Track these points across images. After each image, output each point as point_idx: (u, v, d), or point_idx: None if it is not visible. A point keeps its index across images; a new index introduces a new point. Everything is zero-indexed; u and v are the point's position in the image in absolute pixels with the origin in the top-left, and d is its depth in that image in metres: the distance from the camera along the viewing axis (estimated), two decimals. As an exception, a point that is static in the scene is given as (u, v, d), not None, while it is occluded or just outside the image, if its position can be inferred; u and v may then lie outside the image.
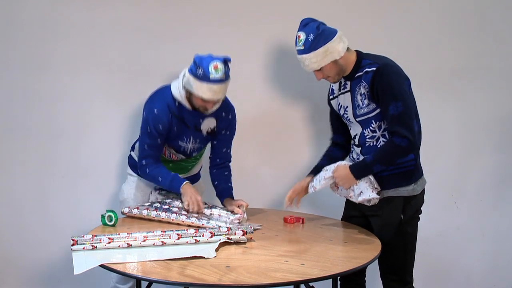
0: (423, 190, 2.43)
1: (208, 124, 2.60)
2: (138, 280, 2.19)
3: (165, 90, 2.55)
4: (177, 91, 2.49)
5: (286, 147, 3.15)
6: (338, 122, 2.57)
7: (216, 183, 2.73)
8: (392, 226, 2.36)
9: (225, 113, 2.60)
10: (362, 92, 2.31)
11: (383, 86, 2.23)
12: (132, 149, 2.77)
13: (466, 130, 3.18)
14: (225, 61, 2.39)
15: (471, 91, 3.16)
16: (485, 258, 3.27)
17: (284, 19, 3.05)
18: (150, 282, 2.18)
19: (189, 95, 2.46)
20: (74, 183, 3.05)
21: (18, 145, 3.01)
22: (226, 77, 2.40)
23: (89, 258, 1.96)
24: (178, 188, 2.53)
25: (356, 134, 2.44)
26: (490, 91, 3.17)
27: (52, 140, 3.02)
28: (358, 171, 2.32)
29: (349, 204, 2.58)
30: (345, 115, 2.45)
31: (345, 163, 2.40)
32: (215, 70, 2.35)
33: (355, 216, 2.52)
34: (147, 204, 2.59)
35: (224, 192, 2.69)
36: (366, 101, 2.30)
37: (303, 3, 3.06)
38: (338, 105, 2.47)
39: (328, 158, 2.58)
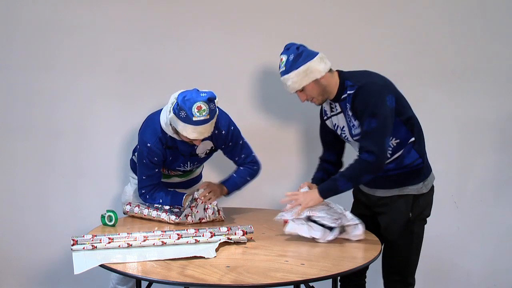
0: (432, 188, 2.43)
1: (204, 147, 2.57)
2: (138, 280, 2.19)
3: (155, 121, 2.49)
4: (166, 127, 2.44)
5: (286, 148, 3.15)
6: (330, 140, 2.55)
7: None
8: (399, 224, 2.36)
9: (217, 130, 2.48)
10: (350, 114, 2.31)
11: (360, 105, 2.23)
12: (134, 152, 2.76)
13: (467, 130, 3.18)
14: (210, 100, 2.28)
15: (471, 91, 3.16)
16: (485, 258, 3.27)
17: (284, 20, 3.05)
18: (150, 282, 2.19)
19: (176, 130, 2.40)
20: (74, 183, 3.06)
21: (18, 145, 3.01)
22: (211, 116, 2.31)
23: (89, 258, 1.96)
24: (180, 203, 2.54)
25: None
26: (491, 92, 3.17)
27: (53, 140, 3.02)
28: (323, 189, 2.27)
29: (357, 202, 2.59)
30: (343, 135, 2.44)
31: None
32: (199, 111, 2.26)
33: (365, 215, 2.49)
34: (148, 203, 2.59)
35: (225, 178, 2.65)
36: (356, 122, 2.30)
37: (305, 7, 3.06)
38: (334, 125, 2.46)
39: (325, 172, 2.55)
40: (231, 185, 2.62)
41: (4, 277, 3.09)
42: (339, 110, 2.38)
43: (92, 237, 2.08)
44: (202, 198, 2.50)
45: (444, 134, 3.16)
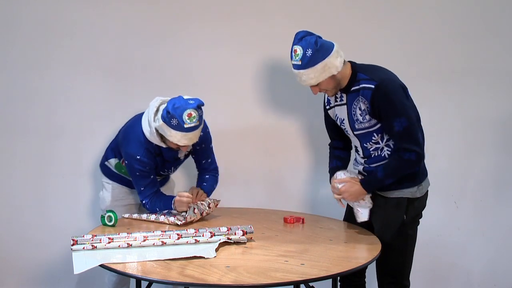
0: (427, 192, 2.43)
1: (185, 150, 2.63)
2: (138, 280, 2.19)
3: (138, 133, 2.51)
4: (151, 136, 2.47)
5: (287, 148, 3.15)
6: (335, 129, 2.57)
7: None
8: (393, 226, 2.36)
9: None
10: (363, 108, 2.29)
11: (384, 104, 2.22)
12: (107, 158, 2.76)
13: (467, 130, 3.18)
14: (199, 107, 2.36)
15: (472, 91, 3.16)
16: (485, 258, 3.27)
17: (285, 17, 3.05)
18: (150, 282, 2.18)
19: (163, 137, 2.45)
20: (74, 183, 3.05)
21: (18, 145, 3.01)
22: (200, 123, 2.39)
23: (89, 258, 1.96)
24: (170, 206, 2.55)
25: (357, 146, 2.45)
26: (491, 92, 3.17)
27: (52, 140, 3.02)
28: (370, 186, 2.34)
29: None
30: (343, 126, 2.45)
31: (351, 176, 2.41)
32: (189, 118, 2.33)
33: None
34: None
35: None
36: (367, 117, 2.30)
37: (307, 4, 3.06)
38: (335, 116, 2.47)
39: (339, 159, 2.59)
40: (206, 191, 2.70)
41: (4, 277, 3.09)
42: (343, 101, 2.36)
43: (92, 237, 2.08)
44: (195, 199, 2.56)
45: (445, 134, 3.16)
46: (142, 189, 2.55)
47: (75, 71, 2.99)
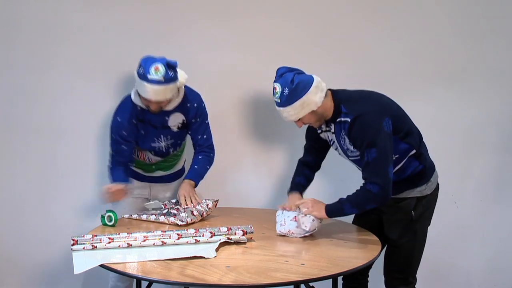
0: (437, 188, 2.43)
1: (176, 120, 2.64)
2: (138, 280, 2.20)
3: (127, 98, 2.63)
4: (135, 96, 2.56)
5: (288, 146, 3.15)
6: (317, 145, 2.55)
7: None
8: (401, 223, 2.38)
9: (189, 103, 2.61)
10: (347, 141, 2.30)
11: (358, 137, 2.22)
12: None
13: (467, 130, 3.18)
14: (168, 64, 2.41)
15: (472, 91, 3.16)
16: (485, 258, 3.27)
17: (286, 19, 3.05)
18: (150, 282, 2.19)
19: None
20: (74, 183, 3.05)
21: (18, 145, 3.01)
22: (166, 80, 2.41)
23: (89, 258, 1.96)
24: (120, 180, 2.56)
25: (356, 167, 2.45)
26: (492, 92, 3.17)
27: (53, 140, 3.02)
28: (331, 211, 2.29)
29: None
30: (338, 151, 2.44)
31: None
32: (155, 71, 2.38)
33: (372, 212, 2.49)
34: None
35: (188, 173, 2.74)
36: (352, 148, 2.30)
37: (310, 5, 3.06)
38: (330, 141, 2.44)
39: (306, 179, 2.57)
40: (196, 177, 2.71)
41: (4, 277, 3.09)
42: (333, 130, 2.36)
43: (92, 237, 2.08)
44: (188, 205, 2.55)
45: (445, 134, 3.16)
46: (112, 153, 2.64)
47: (76, 72, 2.99)
